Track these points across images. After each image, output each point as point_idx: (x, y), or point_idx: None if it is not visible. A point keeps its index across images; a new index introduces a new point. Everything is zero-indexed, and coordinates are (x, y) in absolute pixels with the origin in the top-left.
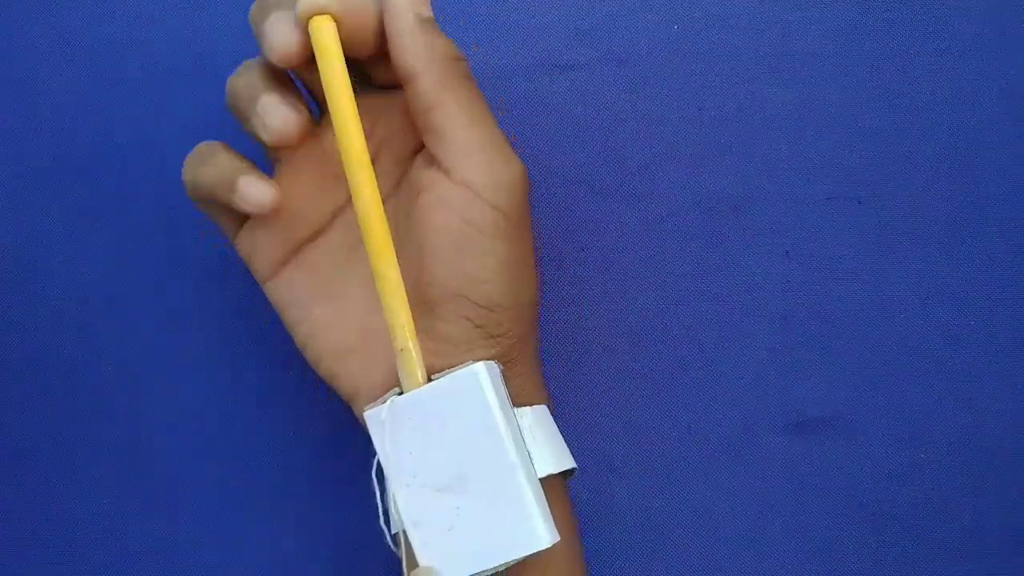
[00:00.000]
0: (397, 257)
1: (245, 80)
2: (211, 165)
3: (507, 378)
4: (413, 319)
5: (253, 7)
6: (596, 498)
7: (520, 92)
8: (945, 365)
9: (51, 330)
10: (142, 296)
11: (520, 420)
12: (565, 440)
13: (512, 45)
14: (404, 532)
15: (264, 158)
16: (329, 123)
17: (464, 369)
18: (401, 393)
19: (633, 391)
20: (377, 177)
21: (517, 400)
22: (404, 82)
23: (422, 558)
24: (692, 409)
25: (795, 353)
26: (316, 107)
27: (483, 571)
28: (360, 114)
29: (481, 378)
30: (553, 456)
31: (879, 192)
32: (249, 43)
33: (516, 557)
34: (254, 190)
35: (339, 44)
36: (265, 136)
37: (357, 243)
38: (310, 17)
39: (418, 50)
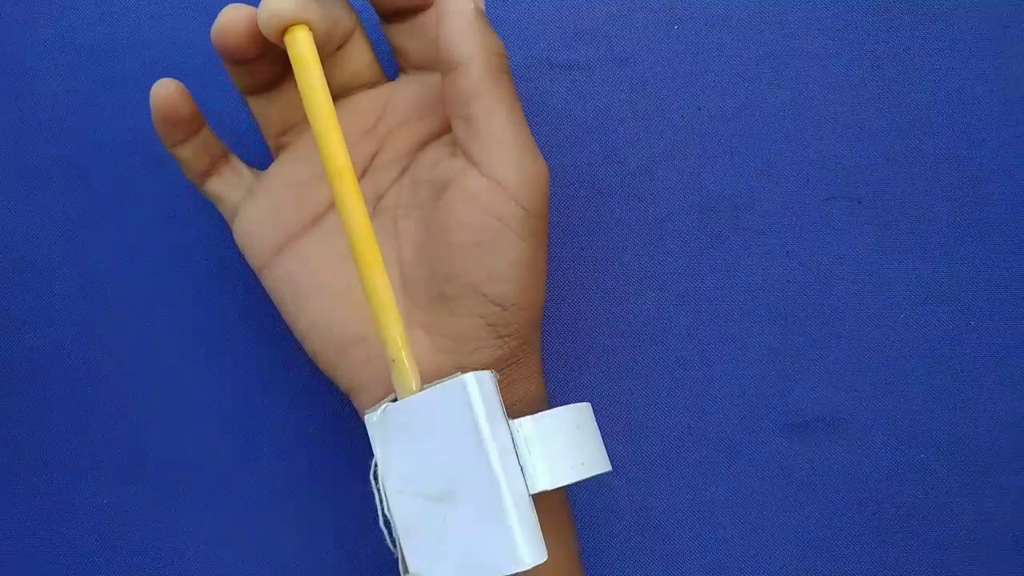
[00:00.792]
0: (403, 248)
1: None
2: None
3: (511, 379)
4: (424, 312)
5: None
6: (596, 498)
7: (520, 92)
8: (945, 365)
9: (51, 330)
10: (142, 296)
11: (516, 432)
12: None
13: (512, 45)
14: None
15: (264, 148)
16: None
17: (455, 379)
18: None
19: (633, 391)
20: (379, 171)
21: (519, 402)
22: (449, 69)
23: (411, 565)
24: (692, 409)
25: (795, 353)
26: None
27: None
28: (362, 109)
29: (470, 389)
30: (550, 471)
31: (879, 192)
32: None
33: (498, 575)
34: (151, 92)
35: (316, 54)
36: (259, 19)
37: None
38: (283, 28)
39: (474, 39)
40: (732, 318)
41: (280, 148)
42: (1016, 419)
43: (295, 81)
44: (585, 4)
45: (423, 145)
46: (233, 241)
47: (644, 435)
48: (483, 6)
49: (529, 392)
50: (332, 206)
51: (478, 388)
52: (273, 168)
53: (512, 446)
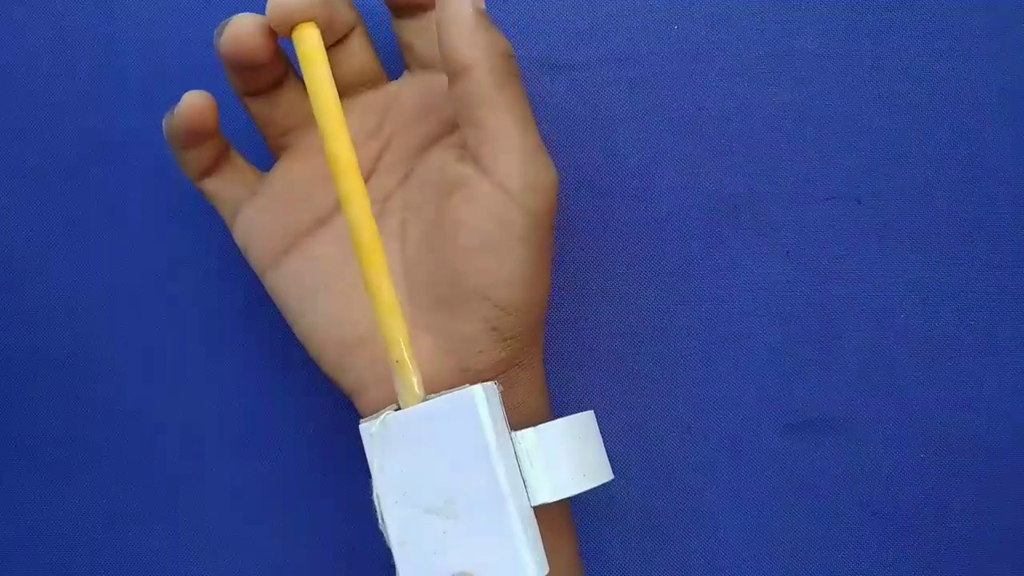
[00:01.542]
0: (408, 250)
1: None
2: (167, 117)
3: (513, 382)
4: (428, 315)
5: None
6: (596, 498)
7: None
8: (945, 365)
9: (51, 330)
10: (142, 296)
11: (518, 444)
12: None
13: (512, 45)
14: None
15: (266, 149)
16: None
17: (462, 391)
18: (398, 408)
19: (633, 391)
20: (384, 172)
21: (521, 404)
22: (454, 75)
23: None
24: (692, 409)
25: (795, 353)
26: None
27: None
28: (366, 111)
29: (478, 402)
30: (551, 484)
31: (879, 192)
32: None
33: None
34: (180, 102)
35: (324, 51)
36: (269, 15)
37: None
38: (291, 25)
39: (476, 43)
40: (732, 318)
41: (281, 149)
42: (1016, 419)
43: (296, 82)
44: (585, 4)
45: (428, 146)
46: (232, 242)
47: (644, 435)
48: (483, 6)
49: (531, 395)
50: (337, 207)
51: (485, 400)
52: (276, 168)
53: (515, 458)
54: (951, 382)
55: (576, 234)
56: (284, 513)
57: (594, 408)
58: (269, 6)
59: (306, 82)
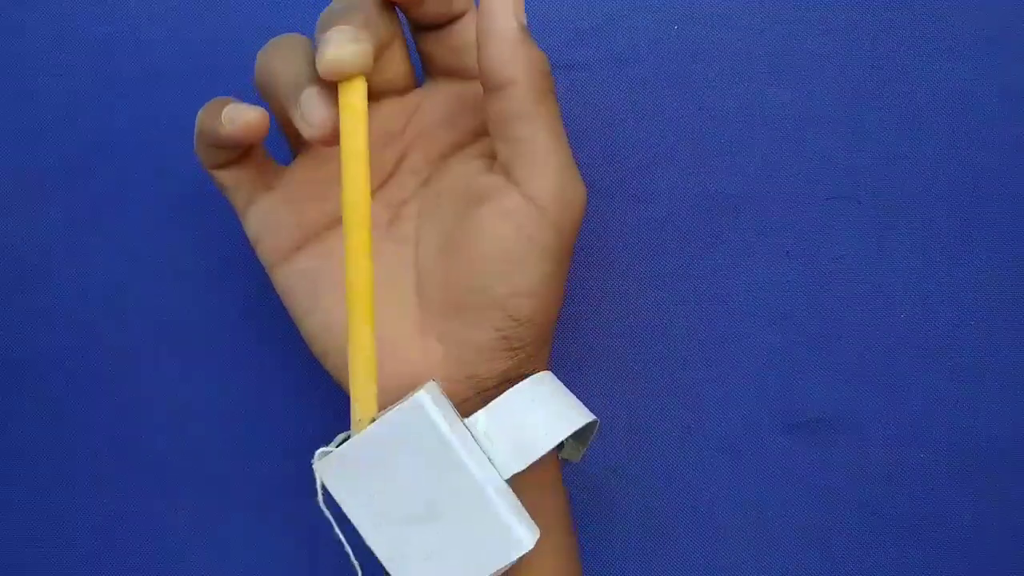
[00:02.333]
0: (422, 256)
1: (290, 63)
2: (207, 107)
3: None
4: (439, 322)
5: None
6: (596, 498)
7: None
8: (945, 365)
9: (51, 330)
10: (142, 296)
11: (474, 429)
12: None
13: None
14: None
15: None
16: None
17: (407, 401)
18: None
19: (633, 391)
20: (403, 176)
21: None
22: (493, 89)
23: None
24: (692, 409)
25: (795, 353)
26: None
27: None
28: (391, 115)
29: (427, 408)
30: (516, 453)
31: (879, 192)
32: (249, 44)
33: (502, 566)
34: (234, 109)
35: (366, 105)
36: (306, 130)
37: (374, 236)
38: (343, 78)
39: (517, 59)
40: (732, 318)
41: (302, 146)
42: (1016, 419)
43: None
44: (585, 4)
45: (450, 153)
46: (233, 242)
47: (644, 435)
48: (525, 20)
49: None
50: None
51: (431, 400)
52: (295, 165)
53: (474, 443)
54: (951, 382)
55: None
56: (284, 513)
57: (594, 408)
58: (323, 60)
59: (341, 129)
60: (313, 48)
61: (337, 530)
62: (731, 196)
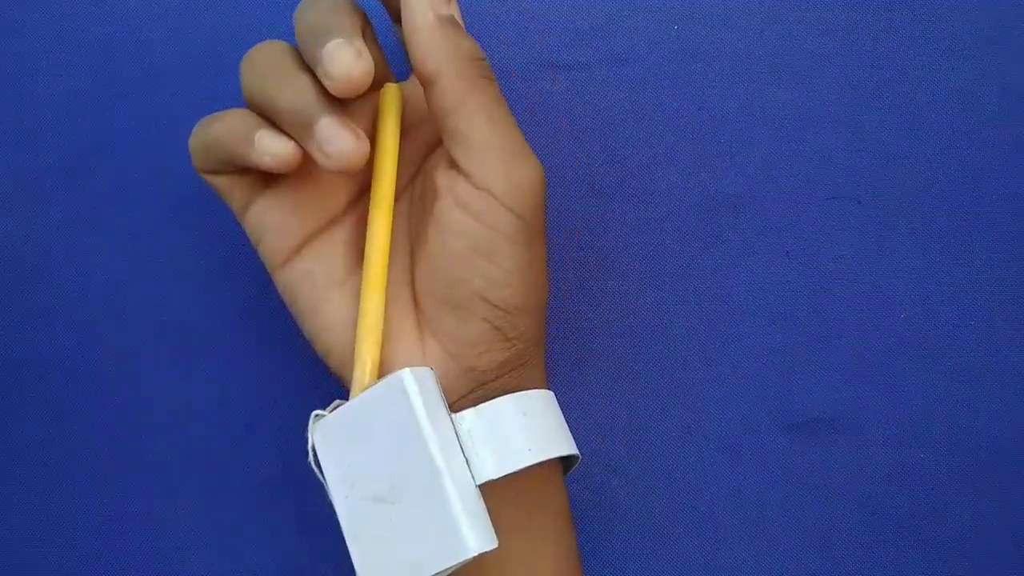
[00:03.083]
0: (415, 254)
1: (285, 87)
2: (226, 122)
3: (519, 382)
4: (433, 319)
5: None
6: (596, 498)
7: (520, 92)
8: (945, 365)
9: (51, 330)
10: (142, 296)
11: (459, 425)
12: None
13: (512, 45)
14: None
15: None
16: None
17: (391, 376)
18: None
19: (633, 391)
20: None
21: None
22: (425, 84)
23: (360, 569)
24: (692, 409)
25: (795, 353)
26: None
27: None
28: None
29: (407, 383)
30: (495, 460)
31: (879, 192)
32: (249, 44)
33: (444, 567)
34: (273, 141)
35: (400, 108)
36: (324, 161)
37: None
38: (357, 93)
39: (436, 51)
40: (732, 318)
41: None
42: (1016, 419)
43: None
44: (585, 4)
45: (431, 149)
46: (233, 242)
47: (644, 435)
48: (449, 11)
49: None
50: (352, 205)
51: (415, 383)
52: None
53: (455, 438)
54: (951, 382)
55: (576, 234)
56: (284, 513)
57: (594, 408)
58: (335, 80)
59: (378, 129)
60: (299, 56)
61: (330, 494)
62: (731, 196)
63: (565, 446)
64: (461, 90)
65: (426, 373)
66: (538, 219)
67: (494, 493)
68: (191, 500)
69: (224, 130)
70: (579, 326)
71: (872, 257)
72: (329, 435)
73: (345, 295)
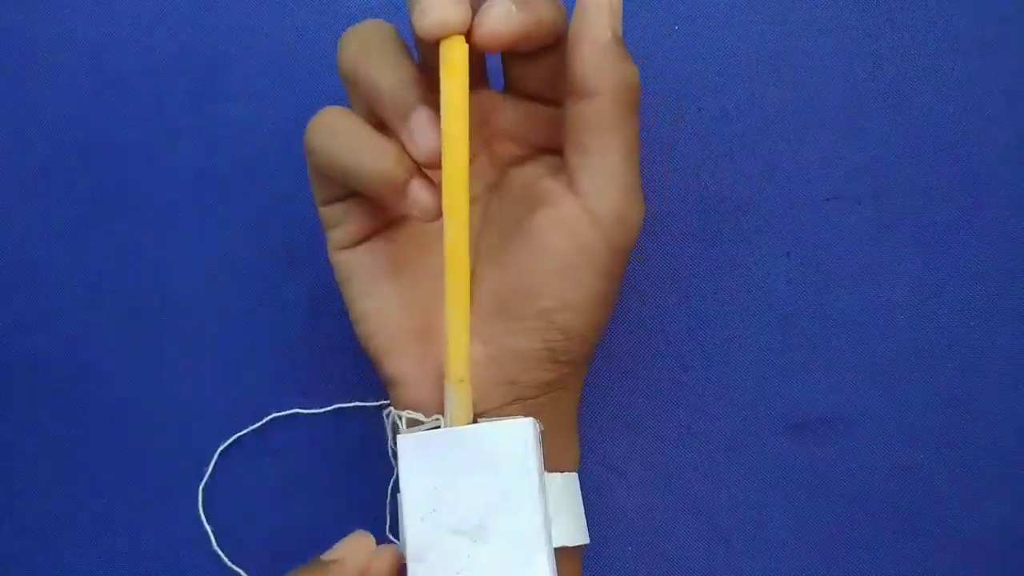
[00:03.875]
0: (479, 259)
1: (387, 73)
2: (370, 152)
3: (554, 402)
4: (486, 324)
5: None
6: (596, 498)
7: None
8: (945, 365)
9: (52, 330)
10: (142, 296)
11: (549, 485)
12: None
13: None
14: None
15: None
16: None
17: (515, 421)
18: (439, 425)
19: (633, 391)
20: (475, 174)
21: (557, 426)
22: (578, 96)
23: None
24: (692, 409)
25: (795, 353)
26: None
27: None
28: (472, 108)
29: (529, 435)
30: (570, 529)
31: (879, 192)
32: (249, 44)
33: None
34: (426, 197)
35: (466, 65)
36: (413, 150)
37: (441, 233)
38: (440, 38)
39: (605, 69)
40: (732, 318)
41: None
42: (1016, 419)
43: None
44: None
45: (520, 163)
46: (233, 242)
47: (644, 435)
48: (620, 31)
49: (567, 415)
50: None
51: (534, 433)
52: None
53: (546, 497)
54: (951, 382)
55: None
56: (284, 513)
57: (594, 408)
58: (425, 20)
59: (442, 89)
60: (403, 41)
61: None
62: (731, 196)
63: (587, 535)
64: (612, 117)
65: (534, 425)
66: (627, 259)
67: None
68: (191, 500)
69: (371, 164)
70: None
71: (872, 257)
72: (421, 450)
73: (402, 282)
